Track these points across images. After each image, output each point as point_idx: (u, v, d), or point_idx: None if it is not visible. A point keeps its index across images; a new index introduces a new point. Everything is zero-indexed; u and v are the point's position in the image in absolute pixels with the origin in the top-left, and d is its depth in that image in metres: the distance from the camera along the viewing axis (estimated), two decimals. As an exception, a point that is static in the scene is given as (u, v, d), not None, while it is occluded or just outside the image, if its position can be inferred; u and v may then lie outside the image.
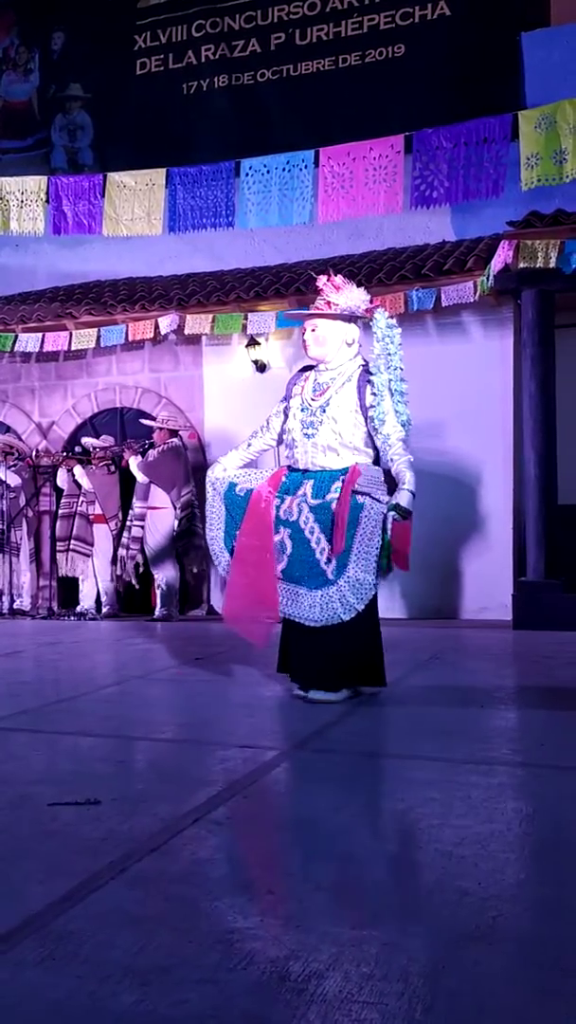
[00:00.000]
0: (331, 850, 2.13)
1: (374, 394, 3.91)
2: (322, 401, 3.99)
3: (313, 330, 4.08)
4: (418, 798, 2.44)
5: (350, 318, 4.03)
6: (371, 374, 3.95)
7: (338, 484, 3.87)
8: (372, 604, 3.92)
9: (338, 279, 4.10)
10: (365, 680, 4.00)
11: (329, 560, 3.84)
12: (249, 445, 4.28)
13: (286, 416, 4.12)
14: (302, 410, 4.03)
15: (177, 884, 1.87)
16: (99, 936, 1.62)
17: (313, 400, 4.03)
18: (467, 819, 2.26)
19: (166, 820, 2.27)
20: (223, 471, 4.18)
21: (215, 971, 1.49)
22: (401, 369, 3.97)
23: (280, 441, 4.20)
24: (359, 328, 4.09)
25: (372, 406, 3.90)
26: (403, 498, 3.79)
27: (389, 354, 3.96)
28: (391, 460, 3.89)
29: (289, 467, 4.08)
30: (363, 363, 4.05)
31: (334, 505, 3.84)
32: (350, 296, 4.04)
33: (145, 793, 2.55)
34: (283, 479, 4.05)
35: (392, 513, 3.79)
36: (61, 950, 1.57)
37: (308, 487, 3.94)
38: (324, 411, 3.97)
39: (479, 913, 1.71)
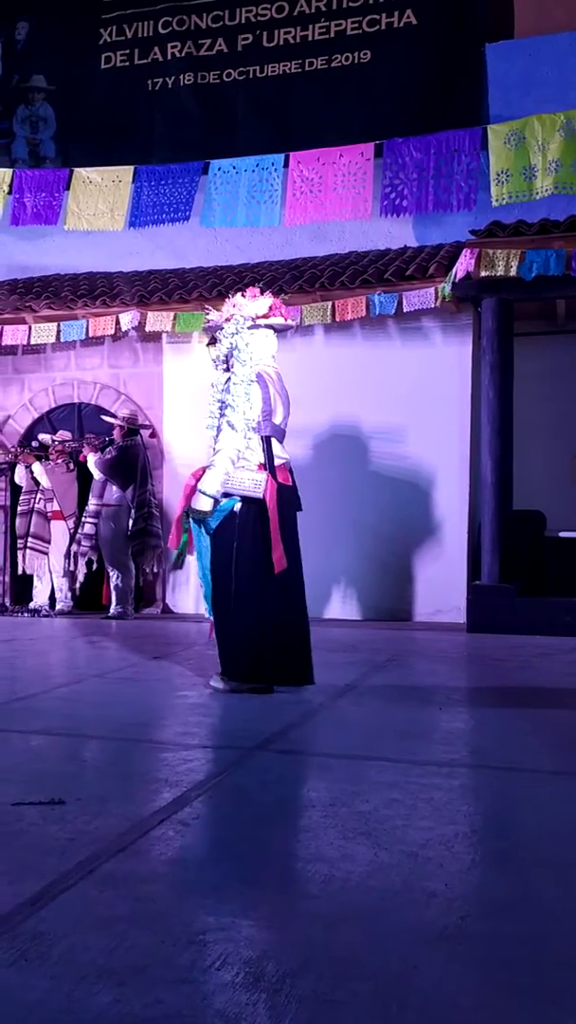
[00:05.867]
0: (298, 851, 2.15)
1: (216, 398, 4.10)
2: None
3: None
4: (382, 799, 2.47)
5: (213, 330, 4.27)
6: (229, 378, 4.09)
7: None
8: (249, 600, 4.00)
9: (248, 292, 4.22)
10: (281, 677, 4.07)
11: None
12: None
13: None
14: None
15: (147, 884, 1.87)
16: (72, 937, 1.62)
17: None
18: (431, 820, 2.30)
19: (132, 820, 2.27)
20: None
21: (190, 971, 1.50)
22: (241, 373, 4.04)
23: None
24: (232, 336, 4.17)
25: (210, 408, 4.10)
26: (195, 499, 3.98)
27: (227, 357, 4.11)
28: None
29: None
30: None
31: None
32: (224, 309, 4.21)
33: (110, 793, 2.55)
34: None
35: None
36: (34, 951, 1.57)
37: None
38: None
39: (447, 913, 1.75)
